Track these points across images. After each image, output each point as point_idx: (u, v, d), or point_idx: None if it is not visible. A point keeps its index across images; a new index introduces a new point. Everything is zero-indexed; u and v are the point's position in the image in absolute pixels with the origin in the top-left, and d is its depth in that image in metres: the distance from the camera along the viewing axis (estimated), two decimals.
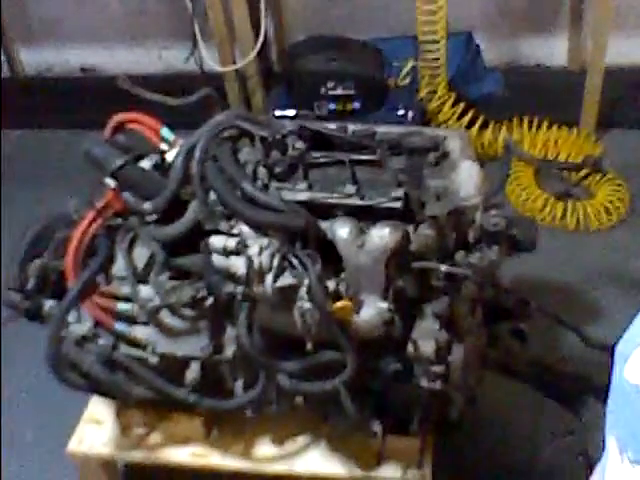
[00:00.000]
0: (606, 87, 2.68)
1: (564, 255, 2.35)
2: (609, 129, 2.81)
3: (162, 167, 1.49)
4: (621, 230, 2.50)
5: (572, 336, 1.87)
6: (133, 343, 1.51)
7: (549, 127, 2.76)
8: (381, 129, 1.49)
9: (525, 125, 2.77)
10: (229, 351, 1.48)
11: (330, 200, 1.38)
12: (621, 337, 1.98)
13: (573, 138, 2.74)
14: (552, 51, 3.13)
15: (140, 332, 1.50)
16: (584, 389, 1.83)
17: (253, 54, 2.68)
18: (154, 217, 1.45)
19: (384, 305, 1.35)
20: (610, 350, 1.91)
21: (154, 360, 1.49)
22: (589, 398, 1.82)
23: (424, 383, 1.43)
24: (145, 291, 1.46)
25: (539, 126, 2.77)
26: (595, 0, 2.63)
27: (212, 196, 1.40)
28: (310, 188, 1.41)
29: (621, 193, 2.54)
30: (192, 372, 1.49)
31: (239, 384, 1.52)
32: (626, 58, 2.91)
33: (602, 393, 1.82)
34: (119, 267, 1.50)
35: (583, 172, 2.58)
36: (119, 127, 1.55)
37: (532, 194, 2.57)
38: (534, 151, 2.69)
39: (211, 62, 2.76)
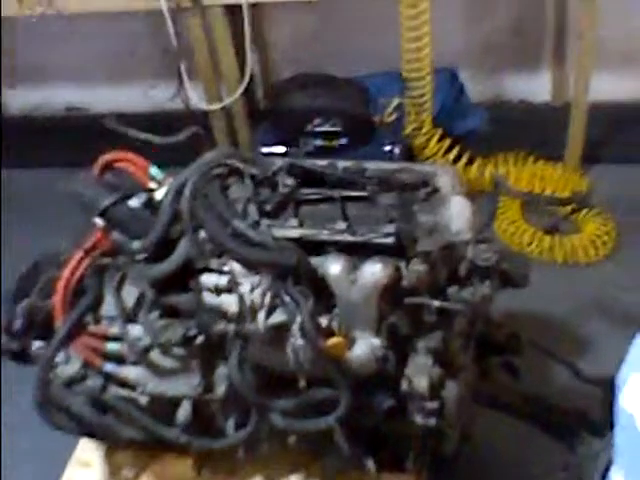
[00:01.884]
0: (590, 123, 2.71)
1: (553, 289, 2.35)
2: (594, 164, 2.84)
3: (151, 206, 1.48)
4: (609, 264, 2.51)
5: (564, 370, 1.87)
6: (123, 384, 1.49)
7: (535, 162, 2.79)
8: (371, 165, 1.50)
9: (511, 160, 2.79)
10: (220, 390, 1.46)
11: (321, 237, 1.38)
12: (612, 370, 1.97)
13: (559, 173, 2.76)
14: (536, 87, 3.17)
15: (130, 372, 1.48)
16: (578, 423, 1.82)
17: (239, 92, 2.69)
18: (143, 256, 1.44)
19: (377, 341, 1.35)
20: (603, 384, 1.91)
21: (144, 400, 1.47)
22: (583, 433, 1.81)
23: (418, 419, 1.41)
24: (135, 330, 1.45)
25: (525, 161, 2.80)
26: (578, 36, 2.66)
27: (202, 234, 1.39)
28: (301, 225, 1.41)
29: (608, 227, 2.56)
30: (183, 412, 1.47)
31: (231, 423, 1.50)
32: (609, 94, 2.94)
33: (596, 427, 1.82)
34: (108, 307, 1.49)
35: (570, 207, 2.60)
36: (108, 166, 1.55)
37: (520, 228, 2.58)
38: (520, 186, 2.70)
39: (197, 100, 2.77)
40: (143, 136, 1.58)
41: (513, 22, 3.08)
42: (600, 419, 1.86)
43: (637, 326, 2.19)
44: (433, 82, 2.65)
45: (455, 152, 2.75)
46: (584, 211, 2.60)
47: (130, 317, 1.46)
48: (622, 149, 2.86)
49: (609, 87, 2.91)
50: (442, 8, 2.52)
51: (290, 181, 1.43)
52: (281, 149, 2.59)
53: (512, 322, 1.94)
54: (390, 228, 1.36)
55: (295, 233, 1.38)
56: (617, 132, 2.92)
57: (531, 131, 2.93)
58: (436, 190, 1.45)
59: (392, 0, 2.45)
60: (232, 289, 1.35)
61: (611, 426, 1.81)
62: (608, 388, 1.90)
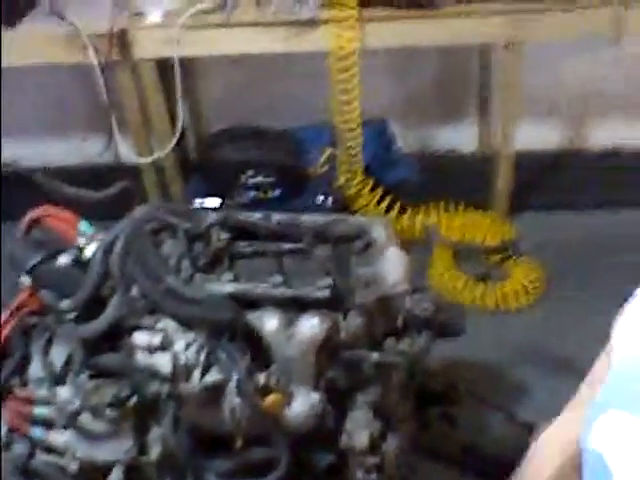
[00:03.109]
0: (517, 171, 2.77)
1: (486, 336, 2.37)
2: (521, 212, 2.90)
3: (81, 263, 1.44)
4: (539, 310, 2.55)
5: (500, 418, 1.87)
6: (51, 449, 1.43)
7: (464, 211, 2.83)
8: (305, 218, 1.49)
9: (441, 210, 2.83)
10: (154, 453, 1.41)
11: (257, 291, 1.36)
12: (546, 416, 1.99)
13: (487, 221, 2.81)
14: (463, 137, 3.24)
15: (59, 437, 1.41)
16: (514, 471, 1.82)
17: (170, 145, 2.67)
18: (73, 315, 1.40)
19: (316, 397, 1.33)
20: (536, 430, 1.92)
21: (74, 467, 1.41)
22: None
23: (359, 475, 1.39)
24: (64, 393, 1.39)
25: (454, 211, 2.84)
26: (502, 88, 2.74)
27: (134, 291, 1.36)
28: (236, 279, 1.39)
29: (536, 274, 2.60)
30: (115, 478, 1.41)
31: None
32: (535, 143, 3.03)
33: None
34: (35, 368, 1.43)
35: (500, 255, 2.65)
36: (35, 222, 1.50)
37: (452, 277, 2.60)
38: (451, 235, 2.74)
39: (128, 154, 2.74)
40: (73, 191, 1.55)
41: (439, 74, 3.16)
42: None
43: (567, 371, 2.24)
44: (364, 133, 2.68)
45: (387, 202, 2.77)
46: (513, 258, 2.65)
47: (59, 379, 1.40)
48: (549, 197, 2.93)
49: (534, 136, 3.00)
50: (371, 62, 2.57)
51: (224, 235, 1.41)
52: (215, 202, 2.58)
53: (447, 371, 1.95)
54: (326, 281, 1.35)
55: (230, 288, 1.36)
56: (543, 180, 3.00)
57: (460, 180, 2.98)
58: (371, 242, 1.45)
59: (322, 53, 2.49)
60: (165, 347, 1.31)
61: None
62: None
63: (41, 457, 1.43)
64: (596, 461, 0.65)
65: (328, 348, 1.33)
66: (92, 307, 1.38)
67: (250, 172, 2.58)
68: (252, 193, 2.61)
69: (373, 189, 2.77)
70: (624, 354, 0.72)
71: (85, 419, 1.39)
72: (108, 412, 1.38)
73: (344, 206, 2.73)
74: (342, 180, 2.73)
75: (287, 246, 1.42)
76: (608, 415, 0.66)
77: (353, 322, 1.34)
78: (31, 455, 1.43)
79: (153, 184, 2.80)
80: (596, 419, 0.67)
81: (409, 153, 3.12)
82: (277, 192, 2.62)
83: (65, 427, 1.40)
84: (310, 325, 1.32)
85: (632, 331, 0.74)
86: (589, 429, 0.67)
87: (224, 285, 1.37)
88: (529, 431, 1.91)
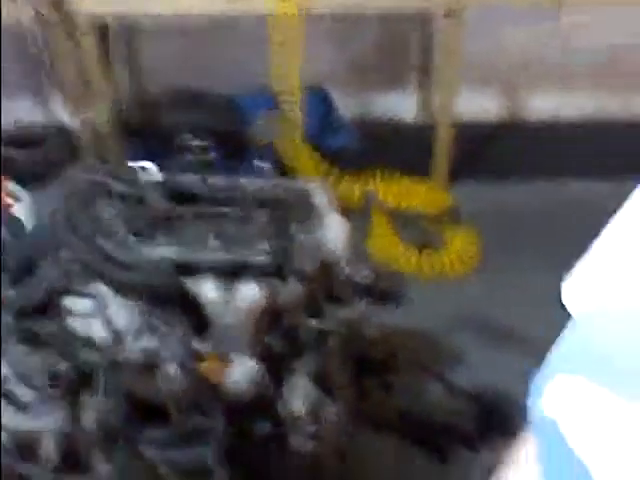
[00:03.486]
0: (457, 140, 2.77)
1: (424, 305, 2.37)
2: (460, 181, 2.90)
3: (10, 225, 1.38)
4: (476, 279, 2.56)
5: (438, 385, 1.88)
6: None
7: (402, 179, 2.83)
8: (245, 182, 1.45)
9: (379, 177, 2.82)
10: (88, 422, 1.36)
11: (195, 256, 1.32)
12: (484, 383, 1.99)
13: (426, 190, 2.81)
14: (403, 105, 3.23)
15: None
16: (450, 438, 1.84)
17: (107, 107, 2.59)
18: (2, 280, 1.34)
19: (254, 364, 1.30)
20: (475, 397, 1.93)
21: (5, 438, 1.36)
22: (456, 446, 1.83)
23: (298, 443, 1.38)
24: None
25: (393, 178, 2.83)
26: (443, 56, 2.73)
27: (66, 255, 1.30)
28: (173, 244, 1.34)
29: (475, 243, 2.62)
30: (47, 448, 1.37)
31: (99, 457, 1.41)
32: (474, 112, 3.03)
33: (469, 441, 1.84)
34: None
35: (438, 222, 2.65)
36: None
37: (391, 243, 2.60)
38: (389, 202, 2.73)
39: (63, 115, 2.64)
40: (5, 150, 1.48)
41: (380, 42, 3.13)
42: (473, 432, 1.89)
43: (505, 339, 2.26)
44: (304, 100, 2.64)
45: (325, 168, 2.75)
46: (452, 227, 2.66)
47: None
48: (487, 166, 2.95)
49: (474, 105, 3.00)
50: (311, 28, 2.52)
51: (161, 198, 1.36)
52: (150, 164, 2.51)
53: (387, 339, 1.95)
54: (265, 246, 1.32)
55: (166, 252, 1.32)
56: (482, 149, 3.01)
57: (399, 148, 2.96)
58: (312, 207, 1.42)
59: (262, 18, 2.43)
60: (99, 313, 1.27)
61: (482, 438, 1.84)
62: (480, 401, 1.95)
63: None
64: (549, 428, 0.63)
65: (267, 315, 1.31)
66: (23, 272, 1.32)
67: (187, 135, 2.52)
68: (189, 156, 2.55)
69: (312, 155, 2.75)
70: (577, 313, 0.70)
71: (14, 387, 1.34)
72: (39, 381, 1.34)
73: (283, 171, 2.70)
74: (281, 146, 2.69)
75: (226, 210, 1.38)
76: (561, 379, 0.64)
77: (292, 288, 1.32)
78: None
79: (89, 147, 2.71)
80: (547, 384, 0.65)
81: (349, 120, 3.09)
82: (214, 155, 2.57)
83: None
84: (249, 291, 1.29)
85: (586, 288, 0.73)
86: (540, 395, 0.65)
87: (160, 249, 1.32)
88: (466, 398, 1.93)
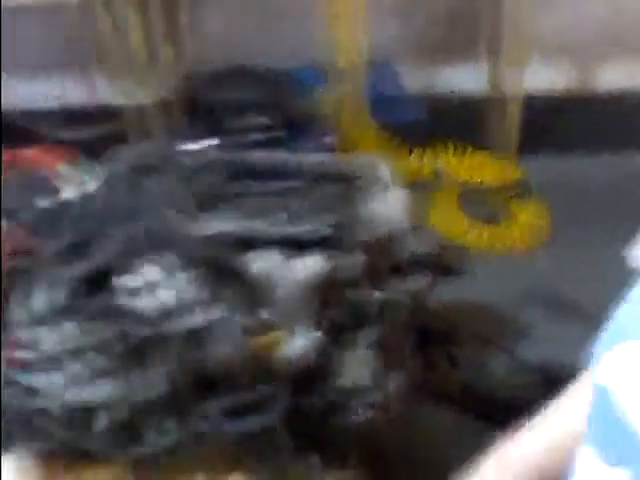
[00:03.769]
0: (525, 113, 2.73)
1: (491, 279, 2.36)
2: (529, 154, 2.86)
3: (62, 205, 1.41)
4: (545, 253, 2.53)
5: (504, 359, 1.87)
6: (35, 392, 1.40)
7: (472, 153, 2.80)
8: (308, 157, 1.47)
9: (448, 151, 2.80)
10: (141, 394, 1.39)
11: (258, 229, 1.34)
12: (551, 358, 1.98)
13: (495, 163, 2.78)
14: (472, 78, 3.18)
15: (42, 380, 1.39)
16: (518, 412, 1.83)
17: (157, 86, 2.61)
18: (57, 258, 1.36)
19: (316, 334, 1.32)
20: (541, 371, 1.92)
21: (58, 410, 1.39)
22: (524, 421, 1.82)
23: (360, 413, 1.39)
24: (47, 336, 1.37)
25: (462, 152, 2.81)
26: (512, 28, 2.68)
27: (120, 234, 1.32)
28: (236, 218, 1.37)
29: (543, 217, 2.58)
30: (100, 421, 1.40)
31: (154, 429, 1.43)
32: (545, 84, 2.97)
33: (534, 416, 1.82)
34: (17, 312, 1.40)
35: (507, 196, 2.62)
36: (13, 163, 1.47)
37: (458, 219, 2.59)
38: (458, 177, 2.72)
39: (110, 95, 2.66)
40: (53, 133, 1.51)
41: (447, 14, 3.09)
42: (538, 407, 1.88)
43: (573, 314, 2.23)
44: (367, 74, 2.63)
45: (392, 143, 2.74)
46: (520, 200, 2.63)
47: (42, 322, 1.37)
48: (557, 140, 2.89)
49: (544, 78, 2.95)
50: (375, 1, 2.51)
51: (224, 173, 1.39)
52: (210, 142, 2.53)
53: (451, 313, 1.95)
54: (328, 219, 1.33)
55: (229, 227, 1.34)
56: (552, 123, 2.95)
57: (468, 122, 2.93)
58: (373, 181, 1.43)
59: None
60: (154, 288, 1.29)
61: None
62: (547, 375, 1.93)
63: (25, 400, 1.40)
64: (600, 395, 0.63)
65: (330, 286, 1.32)
66: (76, 250, 1.35)
67: (249, 114, 2.54)
68: (251, 135, 2.57)
69: (379, 130, 2.74)
70: None
71: (69, 362, 1.37)
72: (93, 355, 1.36)
73: (349, 147, 2.70)
74: (346, 121, 2.70)
75: (288, 185, 1.40)
76: (621, 347, 0.63)
77: (355, 260, 1.33)
78: (15, 398, 1.40)
79: (140, 127, 2.72)
80: (606, 352, 0.65)
81: (416, 94, 3.06)
82: (278, 134, 2.58)
83: (49, 370, 1.38)
84: (312, 263, 1.31)
85: None
86: (597, 363, 0.65)
87: (223, 223, 1.35)
88: (532, 372, 1.92)
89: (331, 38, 2.52)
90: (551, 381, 1.93)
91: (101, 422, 1.37)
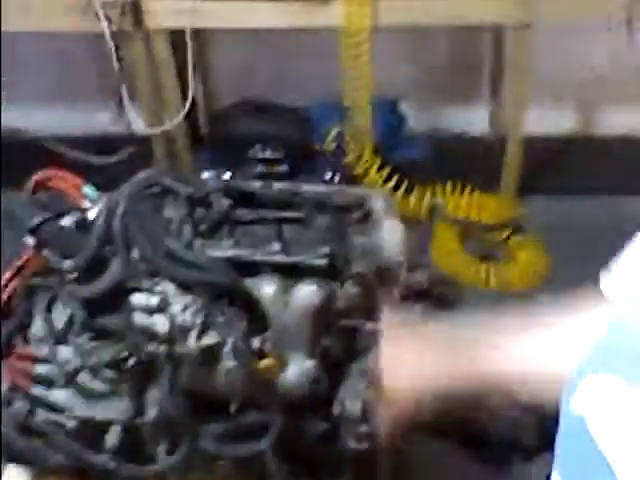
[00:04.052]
0: (526, 155, 2.77)
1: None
2: (529, 195, 2.90)
3: (84, 225, 1.46)
4: (542, 293, 2.55)
5: (497, 395, 1.88)
6: (51, 407, 1.45)
7: (472, 192, 2.84)
8: (306, 187, 1.50)
9: (448, 190, 2.84)
10: (151, 414, 1.42)
11: (255, 257, 1.37)
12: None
13: (495, 203, 2.81)
14: (474, 119, 3.24)
15: (58, 395, 1.43)
16: (511, 448, 1.83)
17: (180, 116, 2.68)
18: (74, 276, 1.41)
19: (310, 363, 1.34)
20: (535, 409, 1.92)
21: (72, 424, 1.43)
22: (515, 458, 1.82)
23: (352, 444, 1.40)
24: (64, 352, 1.41)
25: (462, 191, 2.84)
26: (514, 71, 2.73)
27: (134, 253, 1.37)
28: (235, 245, 1.39)
29: (542, 256, 2.60)
30: (112, 436, 1.43)
31: (161, 448, 1.46)
32: (545, 127, 3.02)
33: (529, 454, 1.83)
34: (37, 328, 1.45)
35: (505, 234, 2.65)
36: (41, 185, 1.52)
37: (456, 255, 2.61)
38: (457, 215, 2.75)
39: (138, 124, 2.75)
40: (80, 156, 1.56)
41: (452, 55, 3.15)
42: (532, 445, 1.88)
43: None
44: (374, 112, 2.68)
45: (394, 181, 2.78)
46: (518, 239, 2.65)
47: (60, 339, 1.42)
48: (558, 181, 2.93)
49: (546, 119, 2.99)
50: (383, 41, 2.57)
51: (225, 201, 1.41)
52: (224, 175, 2.58)
53: None
54: (324, 249, 1.35)
55: (229, 253, 1.37)
56: (553, 164, 2.99)
57: (469, 162, 2.98)
58: (370, 213, 1.45)
59: (334, 31, 2.49)
60: (163, 309, 1.33)
61: (542, 452, 1.83)
62: (540, 413, 1.93)
63: (41, 414, 1.44)
64: (576, 425, 0.63)
65: (324, 316, 1.34)
66: (94, 269, 1.39)
67: (259, 146, 2.58)
68: (260, 167, 2.60)
69: (381, 168, 2.78)
70: (621, 311, 0.68)
71: (84, 379, 1.41)
72: (106, 372, 1.40)
73: (352, 183, 2.74)
74: (351, 158, 2.74)
75: (287, 214, 1.43)
76: (596, 378, 0.63)
77: (350, 291, 1.35)
78: (31, 412, 1.44)
79: (162, 156, 2.81)
80: (582, 381, 0.65)
81: (420, 133, 3.12)
82: (285, 167, 2.61)
83: (65, 386, 1.42)
84: (307, 292, 1.32)
85: (633, 283, 0.72)
86: (573, 391, 0.65)
87: (223, 250, 1.38)
88: (525, 410, 1.92)
89: (342, 77, 2.57)
90: (544, 418, 1.94)
91: (112, 439, 1.40)
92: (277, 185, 1.49)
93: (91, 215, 1.49)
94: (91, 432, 1.44)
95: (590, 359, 0.66)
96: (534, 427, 1.92)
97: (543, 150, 2.99)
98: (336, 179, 2.68)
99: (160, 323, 1.33)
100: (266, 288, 1.34)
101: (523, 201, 2.86)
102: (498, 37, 3.05)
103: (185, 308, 1.32)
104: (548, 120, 3.08)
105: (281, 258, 1.37)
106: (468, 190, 2.83)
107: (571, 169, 2.97)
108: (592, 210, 2.81)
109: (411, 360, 0.92)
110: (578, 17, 2.54)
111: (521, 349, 0.90)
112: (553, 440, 1.82)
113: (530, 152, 2.79)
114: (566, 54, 2.95)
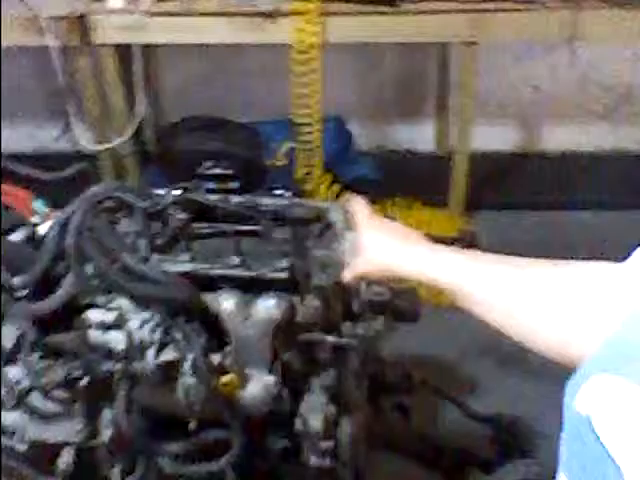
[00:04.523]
0: (473, 170, 2.80)
1: (441, 330, 2.39)
2: (477, 211, 2.93)
3: (34, 240, 1.41)
4: None
5: (454, 410, 1.88)
6: (2, 431, 1.39)
7: (421, 208, 2.86)
8: (264, 201, 1.48)
9: (397, 206, 2.85)
10: (106, 435, 1.38)
11: (214, 271, 1.34)
12: (499, 409, 1.99)
13: (444, 219, 2.84)
14: (421, 136, 3.27)
15: (8, 418, 1.38)
16: (468, 462, 1.84)
17: (128, 134, 2.64)
18: (25, 293, 1.36)
19: (271, 379, 1.32)
20: (491, 421, 1.92)
21: (23, 448, 1.38)
22: (472, 470, 1.83)
23: (313, 460, 1.38)
24: (14, 372, 1.36)
25: (411, 207, 2.86)
26: (459, 89, 2.77)
27: (88, 269, 1.33)
28: (193, 260, 1.37)
29: None
30: (65, 459, 1.38)
31: (116, 470, 1.42)
32: (492, 143, 3.07)
33: (486, 465, 1.83)
34: None
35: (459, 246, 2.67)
36: None
37: None
38: None
39: (85, 141, 2.70)
40: (28, 171, 1.52)
41: (398, 75, 3.18)
42: (489, 456, 1.89)
43: (519, 367, 2.26)
44: (323, 129, 2.68)
45: (344, 196, 2.78)
46: None
47: (9, 358, 1.37)
48: (503, 196, 2.97)
49: (491, 136, 3.04)
50: (331, 60, 2.58)
51: (182, 215, 1.39)
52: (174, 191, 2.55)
53: (402, 362, 1.96)
54: (284, 263, 1.34)
55: (187, 268, 1.34)
56: (498, 181, 3.04)
57: (416, 178, 3.01)
58: (329, 225, 1.45)
59: (283, 48, 2.49)
60: (120, 325, 1.29)
61: (499, 463, 1.84)
62: (497, 425, 1.94)
63: None
64: (582, 425, 0.63)
65: (284, 330, 1.32)
66: (45, 285, 1.35)
67: (209, 163, 2.56)
68: (210, 184, 2.58)
69: (331, 184, 2.79)
70: (629, 313, 0.67)
71: (35, 399, 1.36)
72: (59, 393, 1.36)
73: (304, 198, 2.73)
74: (300, 174, 2.74)
75: (245, 228, 1.41)
76: (602, 378, 0.63)
77: (310, 304, 1.34)
78: None
79: (110, 173, 2.77)
80: (586, 381, 0.64)
81: (367, 150, 3.13)
82: (235, 184, 2.60)
83: (14, 407, 1.37)
84: (267, 306, 1.31)
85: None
86: (576, 390, 0.65)
87: (181, 265, 1.35)
88: (482, 422, 1.93)
89: (292, 95, 2.57)
90: (500, 430, 1.95)
91: (65, 462, 1.35)
92: (235, 199, 1.48)
93: (41, 230, 1.45)
94: (44, 455, 1.39)
95: (598, 359, 0.66)
96: (490, 439, 1.94)
97: (489, 166, 3.03)
98: (287, 195, 2.67)
99: (116, 340, 1.30)
100: (225, 303, 1.32)
101: (471, 216, 2.89)
102: (444, 55, 3.09)
103: (143, 324, 1.29)
104: (493, 137, 3.13)
105: (240, 272, 1.35)
106: (417, 207, 2.85)
107: (516, 184, 3.02)
108: (538, 224, 2.86)
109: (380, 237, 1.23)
110: (522, 36, 2.59)
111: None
112: (509, 452, 1.82)
113: (476, 168, 2.82)
114: (510, 72, 3.01)
